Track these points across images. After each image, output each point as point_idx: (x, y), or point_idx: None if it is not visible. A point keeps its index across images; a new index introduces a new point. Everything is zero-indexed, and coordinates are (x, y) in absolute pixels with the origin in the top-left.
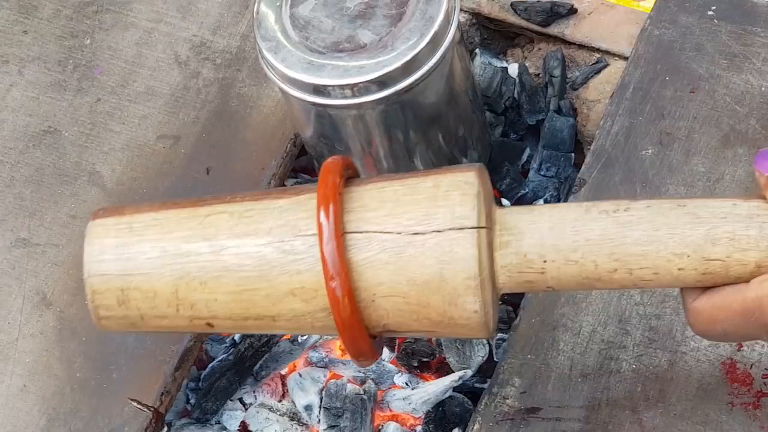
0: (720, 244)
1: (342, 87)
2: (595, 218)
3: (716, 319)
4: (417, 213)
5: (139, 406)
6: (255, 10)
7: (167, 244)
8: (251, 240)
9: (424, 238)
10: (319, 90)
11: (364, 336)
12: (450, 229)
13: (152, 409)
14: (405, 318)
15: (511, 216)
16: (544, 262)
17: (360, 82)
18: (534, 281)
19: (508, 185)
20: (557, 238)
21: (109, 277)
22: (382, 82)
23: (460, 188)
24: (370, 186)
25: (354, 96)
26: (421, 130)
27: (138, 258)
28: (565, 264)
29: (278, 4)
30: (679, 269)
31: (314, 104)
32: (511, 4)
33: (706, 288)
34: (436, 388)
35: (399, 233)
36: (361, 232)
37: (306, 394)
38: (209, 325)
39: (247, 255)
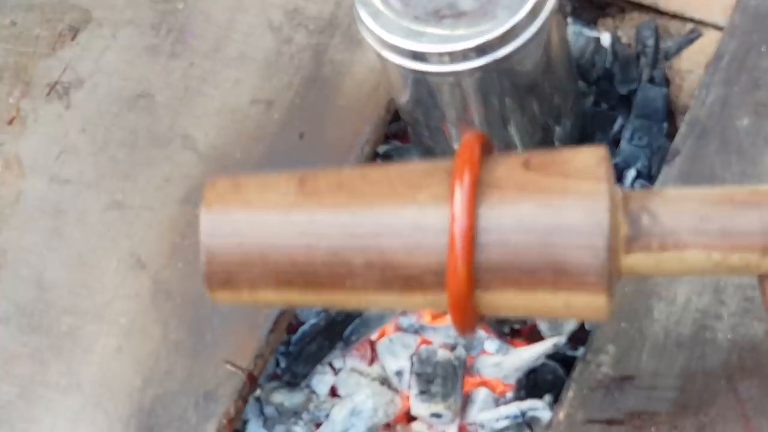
0: None
1: (441, 54)
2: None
3: None
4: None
5: (233, 368)
6: None
7: None
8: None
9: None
10: (417, 56)
11: (474, 315)
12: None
13: (246, 371)
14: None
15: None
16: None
17: (459, 50)
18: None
19: None
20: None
21: None
22: (481, 50)
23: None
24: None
25: (452, 63)
26: (517, 98)
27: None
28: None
29: None
30: None
31: (412, 71)
32: None
33: None
34: (529, 354)
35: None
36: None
37: (397, 360)
38: (310, 174)
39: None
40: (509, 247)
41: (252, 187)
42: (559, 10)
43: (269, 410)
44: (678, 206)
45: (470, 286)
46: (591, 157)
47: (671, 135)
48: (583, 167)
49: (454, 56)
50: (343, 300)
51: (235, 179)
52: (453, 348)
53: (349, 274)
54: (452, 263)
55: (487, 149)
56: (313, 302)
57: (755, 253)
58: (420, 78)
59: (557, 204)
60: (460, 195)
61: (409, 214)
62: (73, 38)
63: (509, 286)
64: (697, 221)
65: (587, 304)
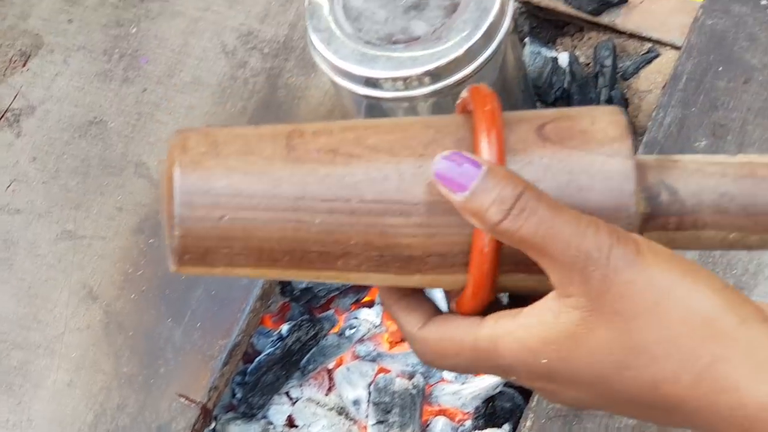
0: None
1: (394, 79)
2: None
3: (446, 354)
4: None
5: (187, 401)
6: (307, 0)
7: None
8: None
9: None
10: (371, 82)
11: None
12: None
13: (201, 404)
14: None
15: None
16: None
17: (413, 75)
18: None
19: None
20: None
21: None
22: (435, 75)
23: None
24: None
25: (406, 89)
26: None
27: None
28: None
29: None
30: None
31: (366, 96)
32: None
33: (431, 316)
34: (487, 382)
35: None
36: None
37: (354, 389)
38: (296, 133)
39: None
40: None
41: (232, 149)
42: (514, 31)
43: None
44: (697, 181)
45: (495, 273)
46: (613, 127)
47: None
48: (606, 139)
49: (408, 81)
50: (327, 278)
51: (208, 135)
52: (411, 376)
53: (343, 254)
54: (478, 248)
55: None
56: (293, 278)
57: None
58: (374, 103)
59: (579, 185)
60: None
61: (418, 192)
62: (24, 64)
63: (525, 270)
64: (718, 198)
65: None
